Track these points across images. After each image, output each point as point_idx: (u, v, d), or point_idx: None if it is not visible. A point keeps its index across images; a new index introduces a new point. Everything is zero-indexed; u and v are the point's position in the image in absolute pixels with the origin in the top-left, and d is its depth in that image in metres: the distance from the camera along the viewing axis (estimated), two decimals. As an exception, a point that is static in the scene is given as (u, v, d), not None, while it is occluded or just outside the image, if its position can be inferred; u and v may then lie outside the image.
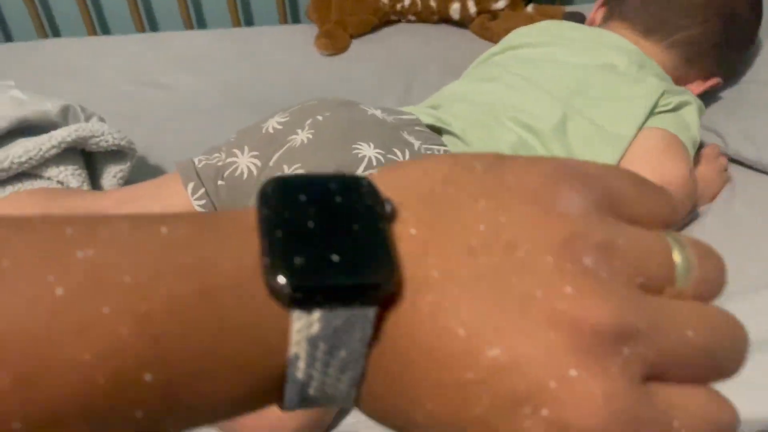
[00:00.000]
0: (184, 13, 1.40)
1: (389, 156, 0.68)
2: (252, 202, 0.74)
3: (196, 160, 0.77)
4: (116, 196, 0.77)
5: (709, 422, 0.19)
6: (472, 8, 1.27)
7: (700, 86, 0.97)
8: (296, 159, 0.69)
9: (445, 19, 1.32)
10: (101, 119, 0.91)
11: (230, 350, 0.17)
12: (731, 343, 0.20)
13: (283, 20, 1.42)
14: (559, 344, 0.17)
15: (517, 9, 1.27)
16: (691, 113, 0.87)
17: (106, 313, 0.16)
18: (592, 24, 1.03)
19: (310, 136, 0.70)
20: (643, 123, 0.83)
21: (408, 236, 0.19)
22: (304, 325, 0.17)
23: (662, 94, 0.84)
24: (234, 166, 0.74)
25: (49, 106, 0.83)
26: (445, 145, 0.75)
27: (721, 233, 0.85)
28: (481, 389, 0.17)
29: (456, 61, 1.25)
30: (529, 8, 1.28)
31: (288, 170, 0.68)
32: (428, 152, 0.72)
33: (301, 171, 0.67)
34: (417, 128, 0.75)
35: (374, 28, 1.32)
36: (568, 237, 0.18)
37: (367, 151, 0.68)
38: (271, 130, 0.74)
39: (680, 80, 0.94)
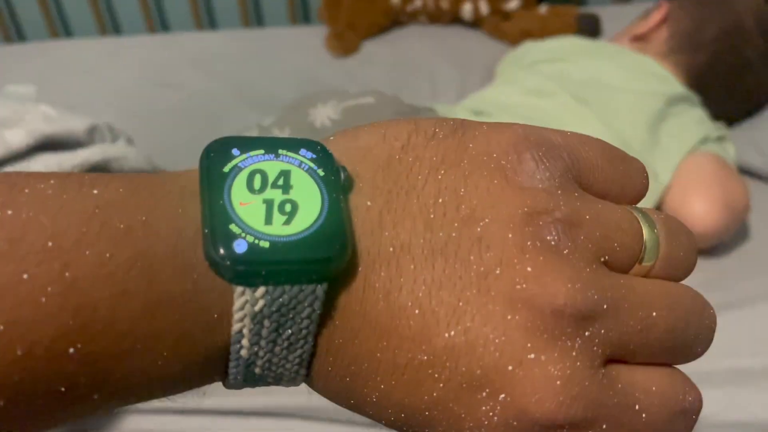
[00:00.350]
0: (195, 14, 1.40)
1: None
2: None
3: None
4: None
5: (673, 405, 0.18)
6: (485, 9, 1.26)
7: None
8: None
9: (457, 20, 1.31)
10: (129, 140, 0.90)
11: (166, 323, 0.16)
12: (698, 324, 0.19)
13: (294, 21, 1.42)
14: (517, 326, 0.16)
15: (531, 9, 1.26)
16: (730, 146, 0.87)
17: (24, 279, 0.15)
18: (645, 32, 0.96)
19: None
20: (693, 148, 0.82)
21: (363, 207, 0.18)
22: (247, 302, 0.16)
23: (714, 128, 0.85)
24: None
25: (78, 124, 0.83)
26: None
27: (735, 244, 0.83)
28: (436, 371, 0.17)
29: (469, 61, 1.24)
30: (542, 9, 1.26)
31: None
32: None
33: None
34: None
35: (385, 30, 1.31)
36: (530, 211, 0.17)
37: None
38: (317, 125, 0.73)
39: None
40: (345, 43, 1.24)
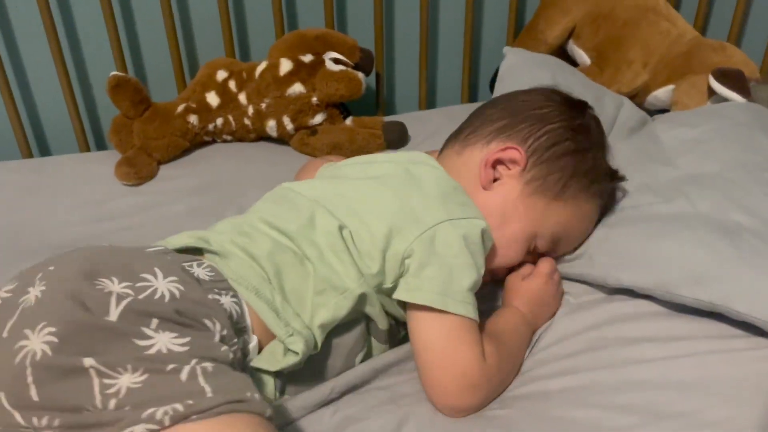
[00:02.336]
0: (-38, 148, 1.23)
1: (138, 284, 0.61)
2: None
3: None
4: None
5: None
6: (289, 125, 1.21)
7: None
8: (38, 318, 0.57)
9: (264, 137, 1.25)
10: None
11: None
12: None
13: (85, 148, 1.28)
14: None
15: (336, 122, 1.22)
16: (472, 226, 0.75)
17: None
18: (481, 185, 0.83)
19: (44, 288, 0.59)
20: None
21: None
22: None
23: (406, 254, 0.73)
24: None
25: None
26: (198, 258, 0.73)
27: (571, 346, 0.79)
28: None
29: (278, 178, 1.16)
30: (348, 121, 1.24)
31: (33, 334, 0.55)
32: (185, 266, 0.68)
33: (49, 333, 0.55)
34: (167, 256, 0.71)
35: (186, 151, 1.22)
36: None
37: (112, 286, 0.60)
38: None
39: None
40: (137, 169, 1.13)
